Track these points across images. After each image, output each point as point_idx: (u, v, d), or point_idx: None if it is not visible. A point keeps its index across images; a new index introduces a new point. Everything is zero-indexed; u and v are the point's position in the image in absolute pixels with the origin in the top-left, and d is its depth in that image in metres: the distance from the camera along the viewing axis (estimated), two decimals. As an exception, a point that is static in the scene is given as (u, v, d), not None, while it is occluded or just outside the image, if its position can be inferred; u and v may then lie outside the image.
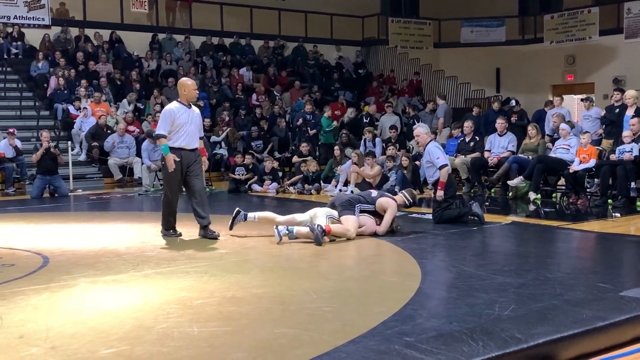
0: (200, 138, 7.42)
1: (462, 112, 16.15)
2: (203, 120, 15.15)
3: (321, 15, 22.37)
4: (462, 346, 3.29)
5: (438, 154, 7.99)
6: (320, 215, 6.80)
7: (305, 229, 6.62)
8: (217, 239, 6.97)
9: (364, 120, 16.37)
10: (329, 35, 22.67)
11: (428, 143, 8.16)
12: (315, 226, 6.47)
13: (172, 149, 7.03)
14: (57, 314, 4.19)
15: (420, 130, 8.30)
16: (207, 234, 7.07)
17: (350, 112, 16.98)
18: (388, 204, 7.08)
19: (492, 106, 14.36)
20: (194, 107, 7.34)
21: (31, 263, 5.82)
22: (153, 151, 12.80)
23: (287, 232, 6.63)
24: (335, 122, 16.14)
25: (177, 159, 6.99)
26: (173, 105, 7.24)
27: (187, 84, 7.23)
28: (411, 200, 7.40)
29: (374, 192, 7.39)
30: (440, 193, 7.89)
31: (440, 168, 7.87)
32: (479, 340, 3.37)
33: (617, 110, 11.00)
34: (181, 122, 7.06)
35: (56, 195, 12.10)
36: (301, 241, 6.63)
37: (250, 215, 6.74)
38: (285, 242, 6.62)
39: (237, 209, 6.88)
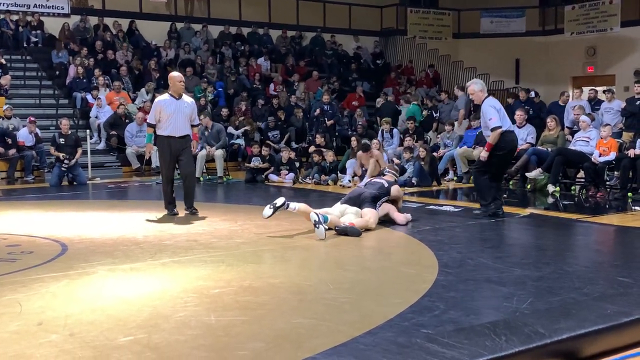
0: (194, 126, 8.22)
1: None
2: (221, 110, 15.39)
3: (339, 5, 22.31)
4: (484, 341, 3.27)
5: (491, 115, 7.27)
6: (350, 213, 6.85)
7: (336, 219, 6.69)
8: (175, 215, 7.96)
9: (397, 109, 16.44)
10: (347, 25, 22.59)
11: (484, 100, 7.43)
12: (346, 226, 6.51)
13: (162, 137, 7.90)
14: (76, 301, 4.22)
15: (474, 87, 7.56)
16: (192, 212, 8.02)
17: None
18: (398, 191, 7.55)
19: (519, 97, 14.31)
20: (185, 98, 8.08)
21: (50, 250, 5.86)
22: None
23: (323, 220, 6.50)
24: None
25: (154, 150, 8.16)
26: (163, 96, 8.06)
27: (173, 77, 8.06)
28: (398, 174, 8.05)
29: (385, 183, 7.38)
30: (484, 154, 7.36)
31: (492, 130, 7.28)
32: (502, 334, 3.35)
33: (638, 102, 10.89)
34: (168, 112, 7.81)
35: (75, 183, 12.21)
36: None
37: (292, 205, 6.67)
38: (302, 232, 6.63)
39: (283, 198, 6.64)
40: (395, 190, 7.43)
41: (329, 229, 6.47)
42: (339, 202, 7.18)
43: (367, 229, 6.68)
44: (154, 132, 8.06)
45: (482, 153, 7.43)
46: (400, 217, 7.22)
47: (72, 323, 3.71)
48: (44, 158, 13.13)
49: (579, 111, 11.36)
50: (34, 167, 13.05)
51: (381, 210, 7.16)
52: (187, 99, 8.16)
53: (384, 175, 7.86)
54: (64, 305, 4.10)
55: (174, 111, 7.83)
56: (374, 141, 12.45)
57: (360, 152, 11.66)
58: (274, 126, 15.62)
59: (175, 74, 8.18)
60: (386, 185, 7.34)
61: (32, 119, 13.29)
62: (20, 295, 4.32)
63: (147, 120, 8.06)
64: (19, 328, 3.64)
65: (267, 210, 6.51)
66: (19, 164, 12.98)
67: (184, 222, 7.50)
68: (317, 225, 6.28)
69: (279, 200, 6.53)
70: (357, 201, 7.02)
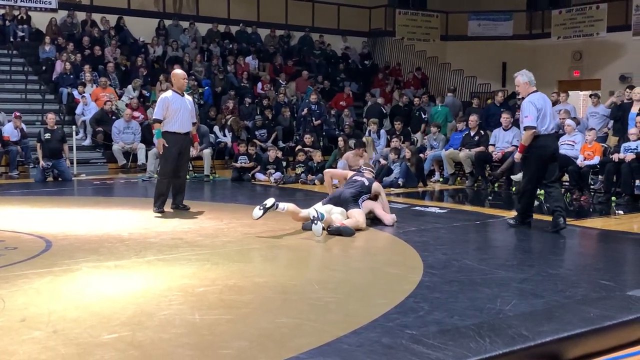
0: (193, 124, 8.37)
1: (467, 106, 16.13)
2: (208, 109, 15.35)
3: (328, 5, 22.32)
4: (469, 342, 3.29)
5: (527, 112, 6.78)
6: (336, 213, 6.84)
7: (330, 218, 6.67)
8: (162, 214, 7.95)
9: (384, 111, 16.56)
10: (336, 25, 22.61)
11: (528, 95, 6.94)
12: (339, 226, 6.52)
13: (168, 133, 7.96)
14: (60, 298, 4.21)
15: (520, 78, 7.04)
16: (184, 208, 8.25)
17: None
18: (378, 187, 7.57)
19: (494, 100, 14.38)
20: (186, 95, 8.28)
21: (34, 247, 5.83)
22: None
23: (320, 217, 6.47)
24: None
25: (167, 145, 7.91)
26: (168, 93, 8.18)
27: (177, 74, 8.22)
28: (373, 172, 8.09)
29: (365, 180, 7.40)
30: (517, 155, 7.02)
31: (525, 129, 6.82)
32: (486, 336, 3.38)
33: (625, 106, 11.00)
34: (175, 108, 7.96)
35: (60, 179, 12.13)
36: (305, 232, 6.65)
37: (281, 205, 6.64)
38: (289, 231, 6.64)
39: (273, 199, 6.54)
40: (375, 186, 7.45)
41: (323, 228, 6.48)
42: (320, 203, 7.17)
43: (358, 229, 6.69)
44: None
45: (515, 155, 7.07)
46: (387, 217, 7.24)
47: (55, 320, 3.70)
48: (29, 153, 13.02)
49: (564, 115, 11.44)
50: (19, 163, 12.94)
51: (364, 208, 7.16)
52: (187, 96, 8.33)
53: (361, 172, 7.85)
54: (47, 301, 4.08)
55: (180, 107, 8.00)
56: (365, 139, 12.56)
57: (348, 153, 11.69)
58: (261, 125, 15.59)
59: (178, 72, 8.34)
60: (367, 183, 7.35)
61: (18, 114, 13.17)
62: (3, 291, 4.30)
63: (154, 117, 8.14)
64: (2, 324, 3.62)
65: (257, 211, 6.47)
66: (4, 159, 12.86)
67: (170, 220, 7.48)
68: (315, 222, 6.29)
69: (269, 201, 6.49)
70: (338, 201, 7.02)
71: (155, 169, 12.37)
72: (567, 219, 7.81)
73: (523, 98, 7.19)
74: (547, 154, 6.94)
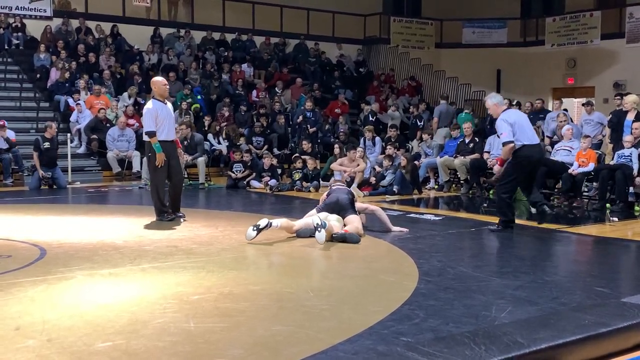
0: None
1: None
2: (203, 117, 15.36)
3: (323, 13, 22.35)
4: (464, 350, 3.29)
5: (502, 130, 7.26)
6: (332, 220, 6.83)
7: (331, 226, 6.67)
8: (173, 220, 7.87)
9: (370, 119, 16.49)
10: (331, 33, 22.65)
11: (500, 114, 7.38)
12: (344, 233, 6.55)
13: (158, 142, 7.79)
14: (54, 306, 4.19)
15: (489, 102, 7.59)
16: (176, 215, 8.05)
17: None
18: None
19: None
20: (168, 103, 8.17)
21: (28, 255, 5.81)
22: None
23: (323, 225, 6.51)
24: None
25: (166, 160, 7.81)
26: (150, 104, 7.98)
27: (157, 81, 8.13)
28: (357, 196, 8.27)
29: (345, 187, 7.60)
30: (497, 168, 7.58)
31: (504, 145, 7.31)
32: (482, 344, 3.37)
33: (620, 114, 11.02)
34: (162, 117, 7.86)
35: (54, 187, 12.08)
36: (300, 239, 6.65)
37: (275, 223, 6.63)
38: (283, 239, 6.63)
39: (266, 219, 6.52)
40: (358, 206, 7.54)
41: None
42: (314, 210, 7.17)
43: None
44: (142, 137, 8.11)
45: (494, 167, 7.70)
46: (395, 227, 7.29)
47: (50, 328, 3.69)
48: (20, 162, 12.87)
49: (563, 118, 11.47)
50: (12, 170, 12.86)
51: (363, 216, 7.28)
52: (169, 103, 8.26)
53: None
54: (42, 310, 4.07)
55: (166, 115, 7.94)
56: (359, 149, 12.55)
57: (342, 159, 11.71)
58: (259, 132, 15.56)
59: (158, 78, 8.31)
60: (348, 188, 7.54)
61: (2, 123, 12.91)
62: (-3, 299, 4.28)
63: (148, 129, 7.81)
64: (-4, 333, 3.60)
65: (251, 232, 6.42)
66: (-2, 167, 12.78)
67: (165, 228, 7.46)
68: (318, 229, 6.32)
69: (262, 222, 6.47)
70: (335, 208, 7.02)
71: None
72: (562, 226, 7.87)
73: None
74: (532, 163, 7.44)
